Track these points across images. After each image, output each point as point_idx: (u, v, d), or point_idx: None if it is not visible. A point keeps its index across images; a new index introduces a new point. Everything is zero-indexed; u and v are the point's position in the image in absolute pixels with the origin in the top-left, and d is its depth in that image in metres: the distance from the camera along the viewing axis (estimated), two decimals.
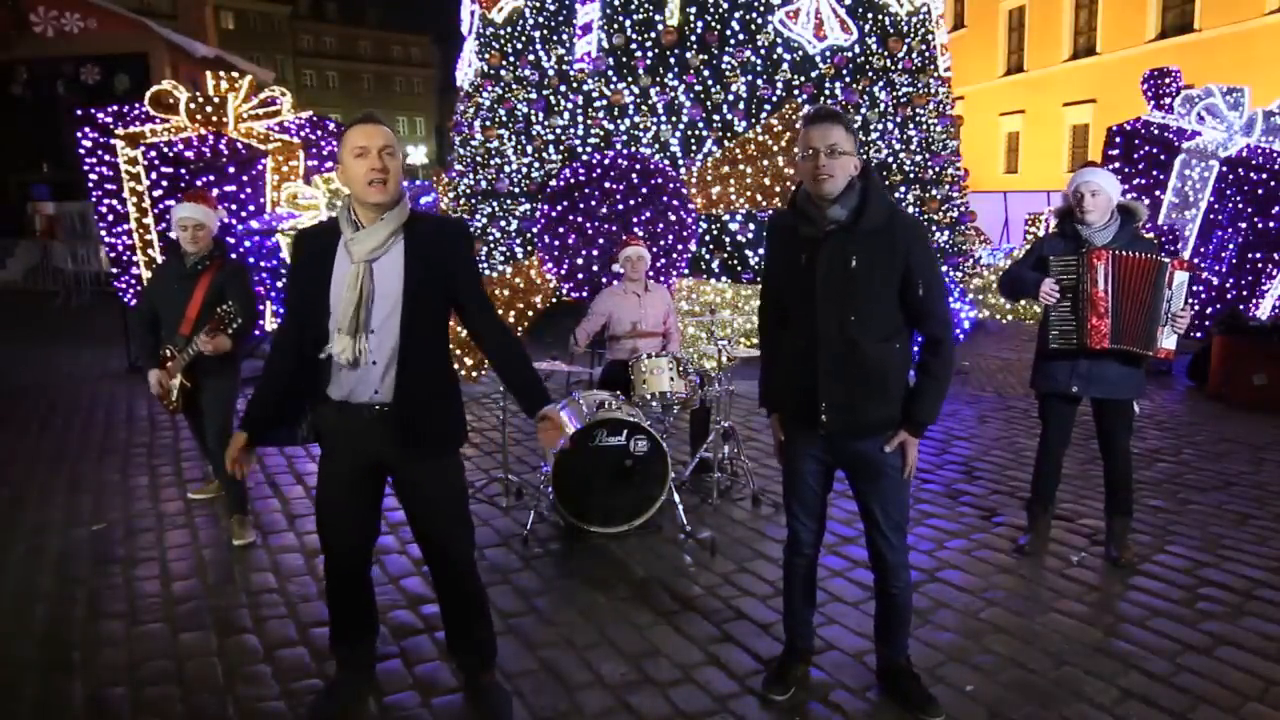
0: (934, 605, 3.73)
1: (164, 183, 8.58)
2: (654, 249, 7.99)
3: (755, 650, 3.36)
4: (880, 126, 10.28)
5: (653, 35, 9.90)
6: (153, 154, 8.61)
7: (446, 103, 40.01)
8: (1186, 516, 4.77)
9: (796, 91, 9.82)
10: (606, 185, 8.37)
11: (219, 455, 4.52)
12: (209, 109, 8.78)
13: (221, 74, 9.10)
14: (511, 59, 10.76)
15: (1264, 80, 15.12)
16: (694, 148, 9.82)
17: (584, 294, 8.38)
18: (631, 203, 8.30)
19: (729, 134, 9.70)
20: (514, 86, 10.63)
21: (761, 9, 9.86)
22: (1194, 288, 8.70)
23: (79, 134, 8.72)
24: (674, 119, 9.85)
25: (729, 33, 9.85)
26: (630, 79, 9.92)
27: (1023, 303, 8.07)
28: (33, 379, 8.64)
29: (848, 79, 10.07)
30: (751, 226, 9.68)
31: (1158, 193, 9.05)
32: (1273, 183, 8.36)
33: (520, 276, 8.92)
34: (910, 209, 10.38)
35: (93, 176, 8.78)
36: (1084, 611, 3.68)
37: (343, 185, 2.66)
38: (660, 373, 4.82)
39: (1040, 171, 23.67)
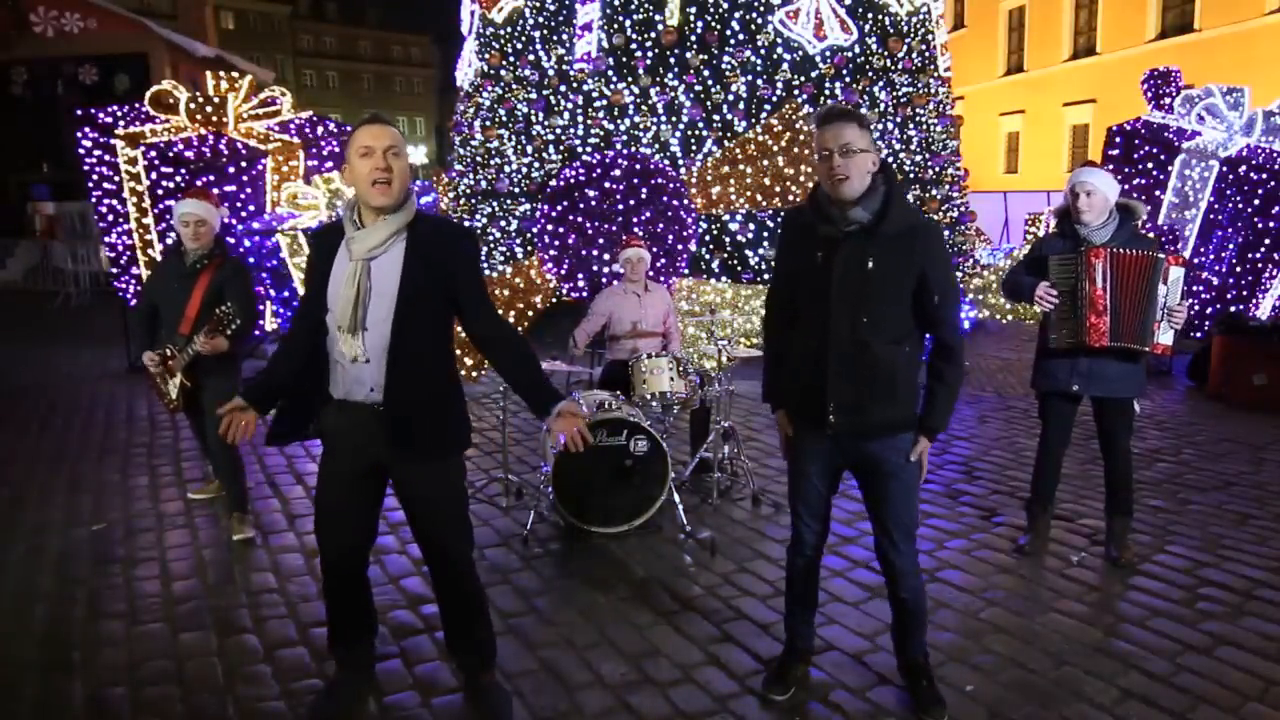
0: (934, 605, 3.72)
1: (164, 183, 8.58)
2: (654, 249, 7.99)
3: (755, 650, 3.36)
4: (880, 126, 10.27)
5: (653, 35, 9.89)
6: (153, 154, 8.62)
7: (446, 103, 40.02)
8: (1186, 516, 4.77)
9: (796, 91, 9.82)
10: (606, 185, 8.38)
11: (219, 455, 4.54)
12: (209, 109, 8.79)
13: (221, 74, 9.11)
14: (511, 59, 10.76)
15: (1264, 80, 15.12)
16: (694, 148, 9.82)
17: (584, 294, 8.38)
18: (631, 203, 8.30)
19: (729, 134, 9.70)
20: (514, 86, 10.63)
21: (761, 9, 9.86)
22: (1194, 288, 8.72)
23: (79, 134, 8.72)
24: (674, 119, 9.85)
25: (729, 33, 9.85)
26: (630, 79, 9.92)
27: (1023, 303, 8.08)
28: (33, 379, 8.64)
29: (848, 79, 10.07)
30: (751, 226, 9.68)
31: (1158, 193, 9.05)
32: (1273, 183, 8.36)
33: (520, 276, 8.92)
34: None
35: (93, 176, 8.78)
36: (1084, 611, 3.68)
37: (348, 184, 2.67)
38: (660, 373, 4.82)
39: (1040, 171, 23.67)
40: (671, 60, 9.87)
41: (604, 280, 8.02)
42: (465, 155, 11.20)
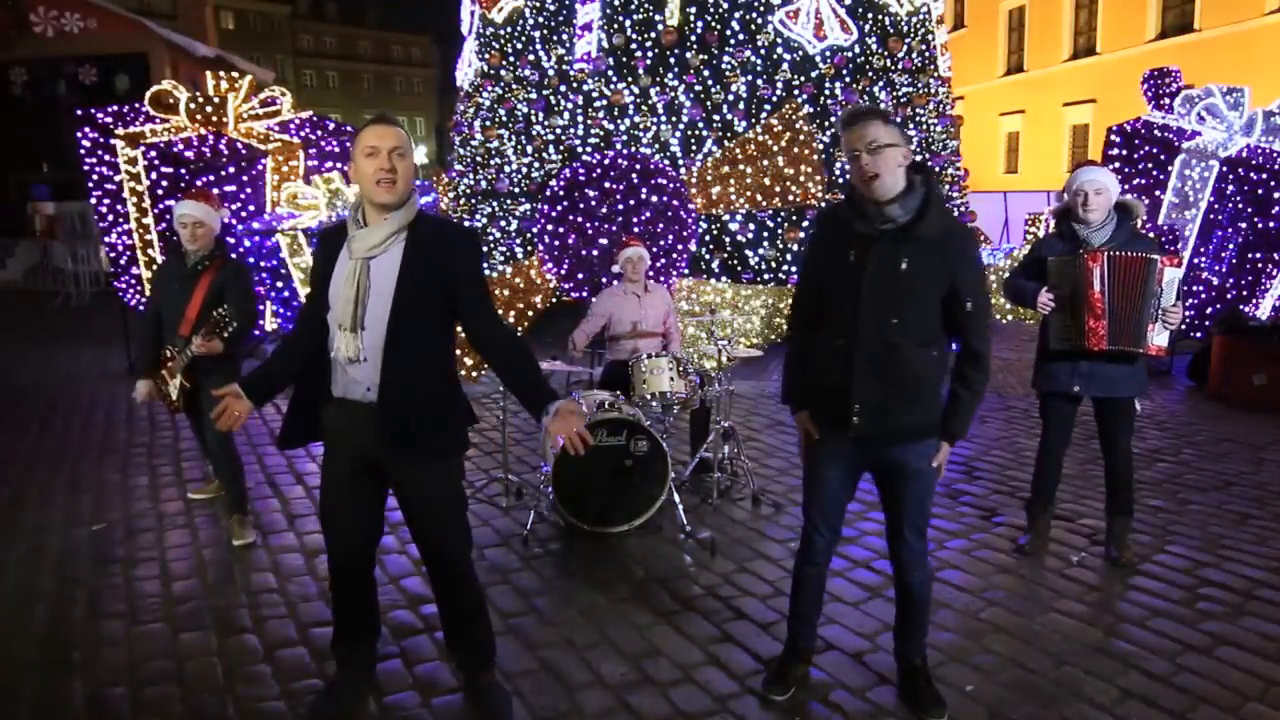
0: (934, 605, 3.71)
1: (164, 183, 8.58)
2: (654, 249, 8.00)
3: (755, 650, 3.36)
4: None
5: (653, 35, 9.90)
6: (153, 154, 8.61)
7: (446, 103, 40.01)
8: (1186, 516, 4.77)
9: (796, 91, 9.82)
10: (606, 185, 8.38)
11: (219, 455, 4.54)
12: (209, 109, 8.79)
13: (221, 74, 9.11)
14: (511, 59, 10.76)
15: (1264, 80, 15.12)
16: (694, 148, 9.82)
17: (584, 294, 8.39)
18: (631, 203, 8.30)
19: (729, 134, 9.70)
20: (514, 86, 10.63)
21: (761, 9, 9.86)
22: (1194, 288, 8.72)
23: (79, 134, 8.72)
24: (674, 119, 9.85)
25: (729, 33, 9.85)
26: (630, 79, 9.92)
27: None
28: (33, 379, 8.64)
29: (848, 79, 10.07)
30: (751, 226, 9.68)
31: (1158, 193, 9.05)
32: (1273, 183, 8.36)
33: (520, 276, 8.93)
34: None
35: (93, 176, 8.78)
36: (1084, 611, 3.68)
37: (354, 183, 2.68)
38: (660, 373, 4.82)
39: (1040, 171, 23.66)
40: (671, 60, 9.88)
41: (604, 280, 8.02)
42: (465, 155, 11.21)
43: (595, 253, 8.32)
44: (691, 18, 9.87)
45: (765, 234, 9.71)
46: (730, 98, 9.80)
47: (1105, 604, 3.75)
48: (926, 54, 10.94)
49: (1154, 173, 9.14)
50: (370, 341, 2.64)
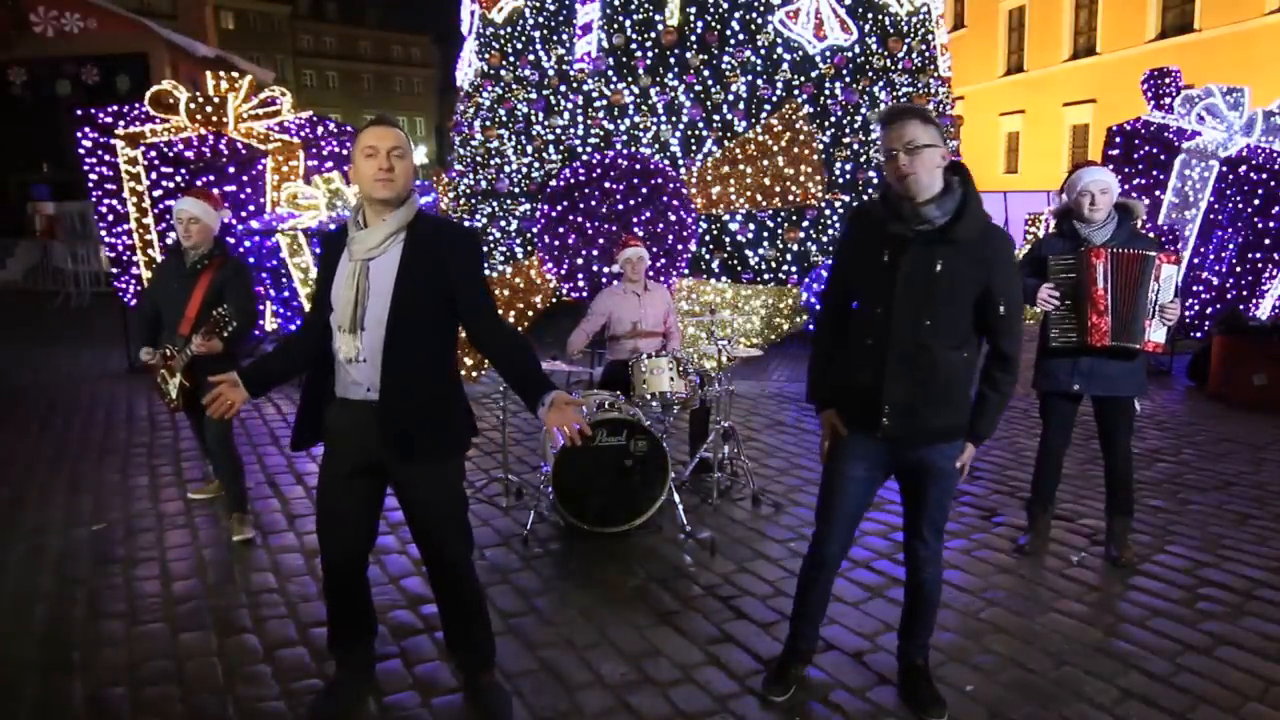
0: None
1: (164, 183, 8.58)
2: (654, 249, 8.00)
3: (755, 650, 3.36)
4: (880, 126, 10.27)
5: (653, 35, 9.90)
6: (153, 154, 8.62)
7: (446, 103, 40.00)
8: (1186, 516, 4.77)
9: (796, 91, 9.82)
10: (606, 185, 8.38)
11: (219, 455, 4.54)
12: (209, 109, 8.79)
13: (221, 74, 9.11)
14: (511, 59, 10.76)
15: (1264, 80, 15.12)
16: (694, 148, 9.83)
17: (584, 294, 8.39)
18: (631, 203, 8.30)
19: (729, 134, 9.70)
20: (514, 86, 10.63)
21: (761, 9, 9.86)
22: (1194, 288, 8.72)
23: (79, 134, 8.72)
24: (674, 119, 9.85)
25: (729, 33, 9.85)
26: (630, 79, 9.92)
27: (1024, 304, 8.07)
28: (33, 379, 8.64)
29: (848, 79, 10.07)
30: (751, 226, 9.69)
31: (1158, 193, 9.05)
32: (1273, 183, 8.36)
33: (520, 276, 8.93)
34: None
35: (93, 176, 8.78)
36: (1084, 611, 3.68)
37: (354, 183, 2.70)
38: (660, 373, 4.81)
39: (1040, 171, 23.67)
40: (671, 60, 9.88)
41: (604, 280, 8.02)
42: (465, 155, 11.21)
43: (595, 253, 8.32)
44: (691, 18, 9.87)
45: (765, 234, 9.72)
46: (730, 98, 9.80)
47: (1105, 604, 3.75)
48: (926, 54, 10.94)
49: (1154, 173, 9.15)
50: (370, 342, 2.65)
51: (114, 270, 9.15)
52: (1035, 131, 25.50)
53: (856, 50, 10.13)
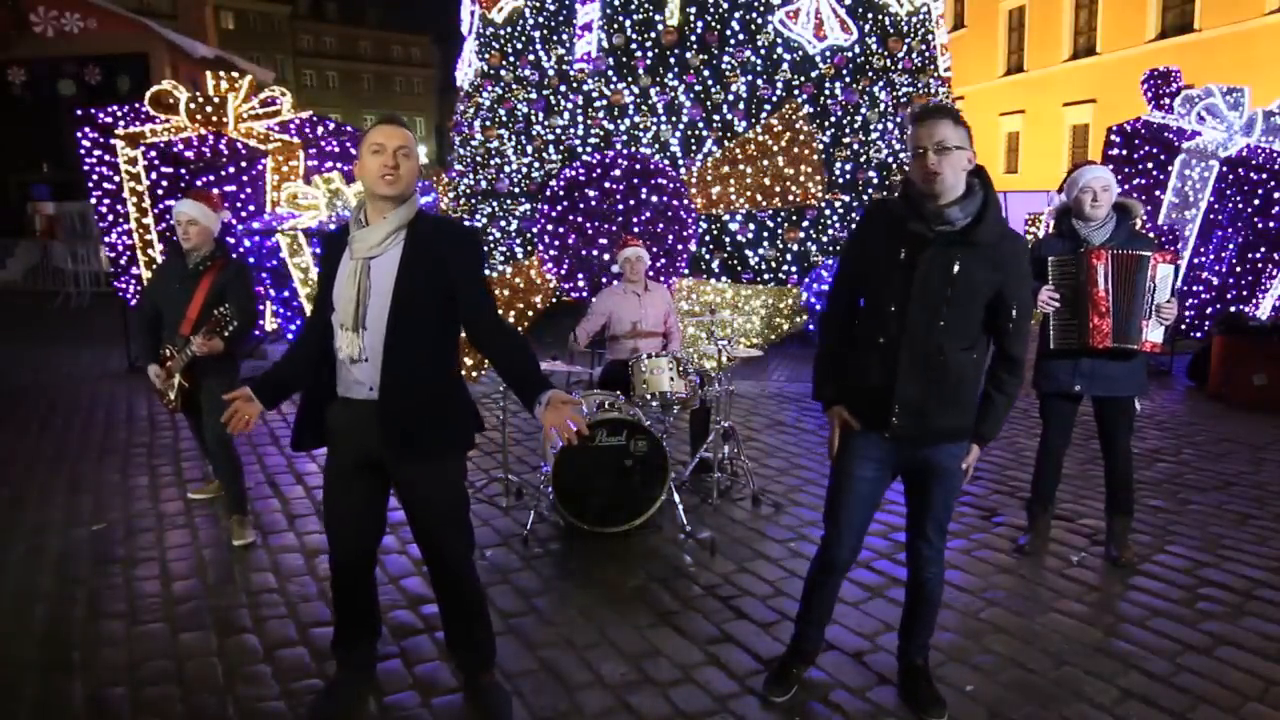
0: None
1: (164, 183, 8.58)
2: (654, 249, 8.00)
3: (755, 650, 3.36)
4: (880, 126, 10.28)
5: (653, 35, 9.90)
6: (153, 154, 8.62)
7: (446, 103, 40.02)
8: (1186, 516, 4.77)
9: (796, 91, 9.82)
10: (606, 185, 8.38)
11: (219, 455, 4.54)
12: (209, 109, 8.79)
13: (221, 74, 9.11)
14: (511, 59, 10.76)
15: (1264, 80, 15.12)
16: (694, 148, 9.83)
17: (584, 294, 8.39)
18: (631, 203, 8.30)
19: (729, 134, 9.71)
20: (514, 86, 10.63)
21: (761, 9, 9.87)
22: (1194, 288, 8.72)
23: (79, 134, 8.72)
24: (674, 119, 9.86)
25: (729, 33, 9.86)
26: (630, 79, 9.92)
27: None
28: (33, 379, 8.64)
29: (848, 79, 10.08)
30: (751, 226, 9.69)
31: (1158, 193, 9.05)
32: (1272, 183, 8.36)
33: (520, 276, 8.93)
34: None
35: (93, 176, 8.78)
36: (1084, 611, 3.68)
37: (359, 178, 2.71)
38: (660, 373, 4.81)
39: (1040, 171, 23.67)
40: (671, 60, 9.88)
41: (604, 280, 8.02)
42: (465, 155, 11.21)
43: (595, 253, 8.33)
44: (691, 18, 9.88)
45: (765, 234, 9.72)
46: (730, 98, 9.81)
47: (1105, 604, 3.75)
48: (926, 54, 10.94)
49: (1154, 173, 9.15)
50: (371, 341, 2.66)
51: (114, 270, 9.14)
52: (1035, 131, 25.51)
53: (856, 50, 10.14)
